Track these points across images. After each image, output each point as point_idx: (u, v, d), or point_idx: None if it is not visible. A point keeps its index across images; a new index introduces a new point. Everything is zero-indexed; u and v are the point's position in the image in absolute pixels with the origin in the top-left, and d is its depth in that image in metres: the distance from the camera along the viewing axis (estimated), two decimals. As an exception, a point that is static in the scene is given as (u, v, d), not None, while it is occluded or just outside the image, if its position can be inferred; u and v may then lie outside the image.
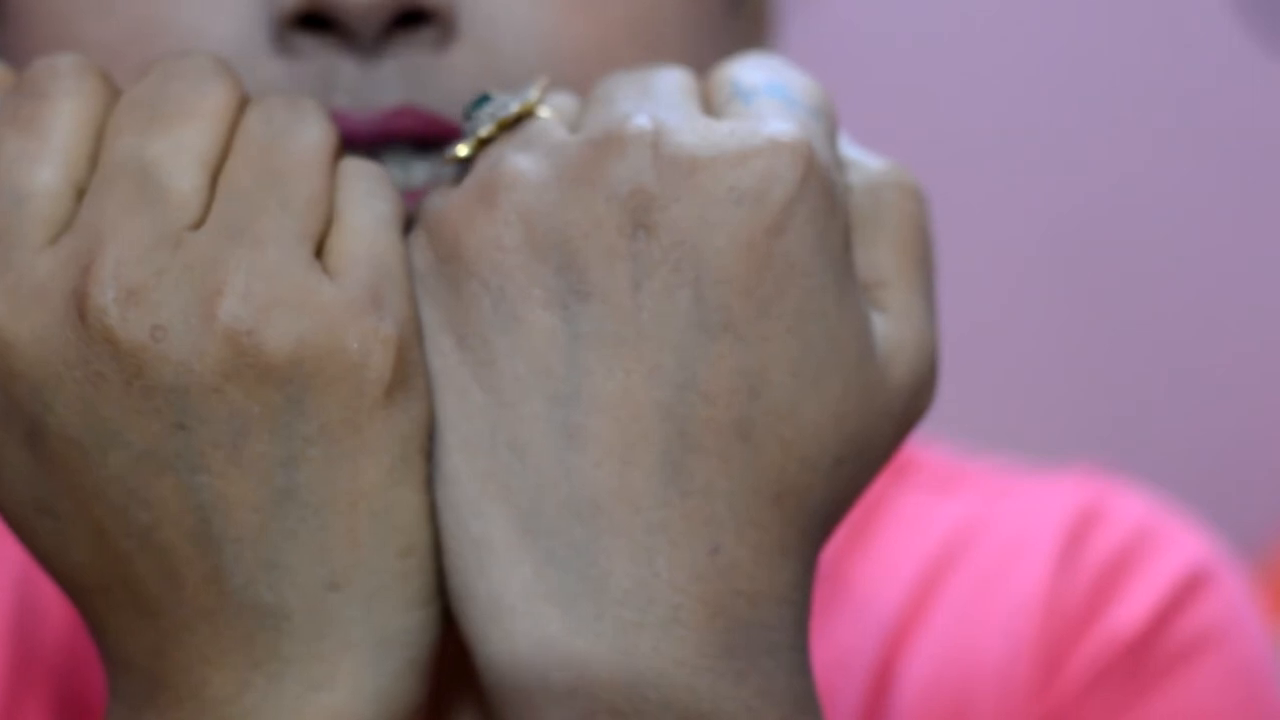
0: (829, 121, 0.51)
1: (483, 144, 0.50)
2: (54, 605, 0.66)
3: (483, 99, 0.51)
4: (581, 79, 0.53)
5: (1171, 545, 0.67)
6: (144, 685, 0.49)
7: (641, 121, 0.48)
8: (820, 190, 0.48)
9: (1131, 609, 0.65)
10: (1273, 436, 1.56)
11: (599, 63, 0.54)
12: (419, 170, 0.53)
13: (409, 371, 0.48)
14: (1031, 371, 1.75)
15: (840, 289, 0.48)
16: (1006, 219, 1.76)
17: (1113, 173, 1.40)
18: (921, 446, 0.73)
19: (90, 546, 0.48)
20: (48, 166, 0.48)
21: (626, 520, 0.47)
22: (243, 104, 0.49)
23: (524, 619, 0.47)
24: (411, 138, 0.52)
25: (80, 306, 0.46)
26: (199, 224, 0.47)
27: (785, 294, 0.47)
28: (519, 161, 0.49)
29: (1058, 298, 1.68)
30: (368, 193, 0.49)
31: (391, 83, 0.52)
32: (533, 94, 0.50)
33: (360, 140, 0.52)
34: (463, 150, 0.50)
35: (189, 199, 0.47)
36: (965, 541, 0.68)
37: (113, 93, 0.50)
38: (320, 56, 0.52)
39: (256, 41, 0.52)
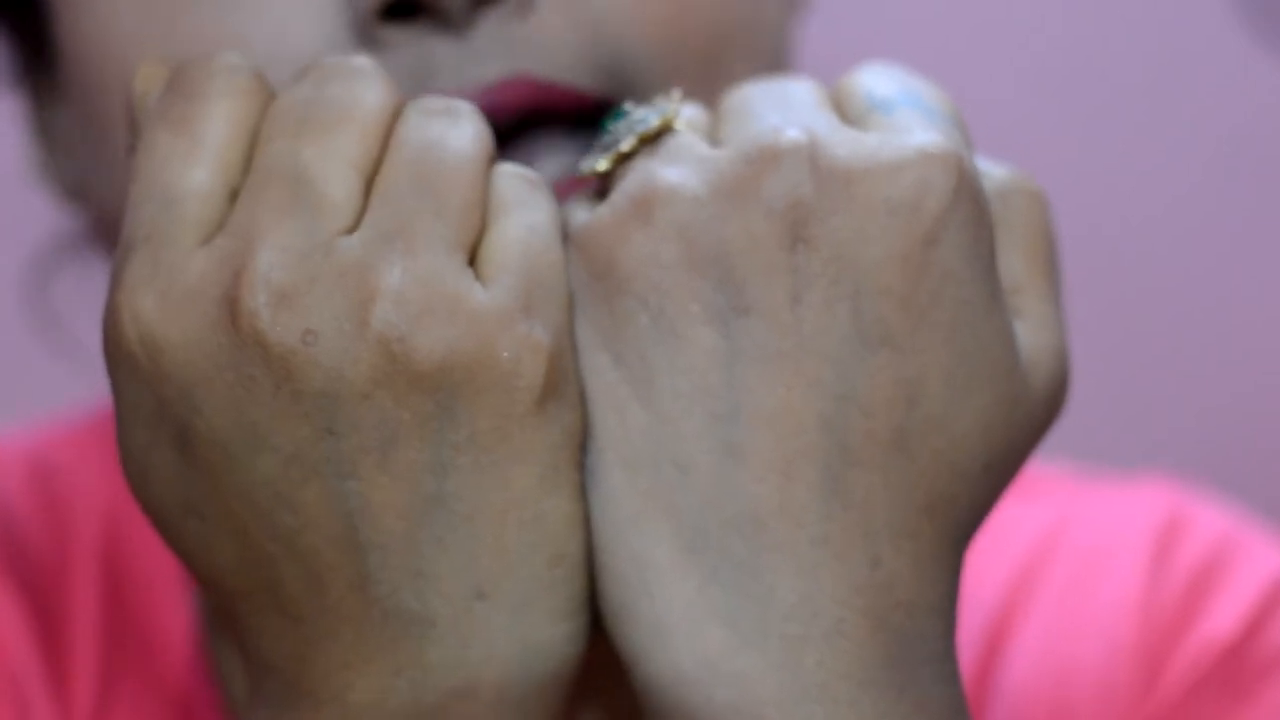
0: (964, 130, 0.50)
1: (623, 158, 0.50)
2: (147, 596, 0.65)
3: (618, 112, 0.51)
4: (666, 35, 0.53)
5: (1255, 555, 0.67)
6: (286, 688, 0.49)
7: (796, 134, 0.47)
8: (971, 200, 0.48)
9: (1225, 615, 0.65)
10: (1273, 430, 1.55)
11: (681, 15, 0.54)
12: (551, 165, 0.53)
13: (561, 380, 0.47)
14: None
15: (990, 298, 0.48)
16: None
17: (1110, 172, 1.38)
18: None
19: (235, 549, 0.48)
20: (201, 168, 0.48)
21: (789, 535, 0.47)
22: (398, 108, 0.49)
23: (687, 637, 0.47)
24: (523, 109, 0.52)
25: (231, 309, 0.46)
26: (352, 229, 0.47)
27: (940, 304, 0.47)
28: (671, 176, 0.48)
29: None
30: (522, 200, 0.48)
31: (489, 56, 0.52)
32: (671, 107, 0.50)
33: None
34: (602, 165, 0.50)
35: (342, 204, 0.47)
36: (1052, 548, 0.68)
37: (268, 94, 0.49)
38: (411, 45, 0.52)
39: (341, 41, 0.52)
